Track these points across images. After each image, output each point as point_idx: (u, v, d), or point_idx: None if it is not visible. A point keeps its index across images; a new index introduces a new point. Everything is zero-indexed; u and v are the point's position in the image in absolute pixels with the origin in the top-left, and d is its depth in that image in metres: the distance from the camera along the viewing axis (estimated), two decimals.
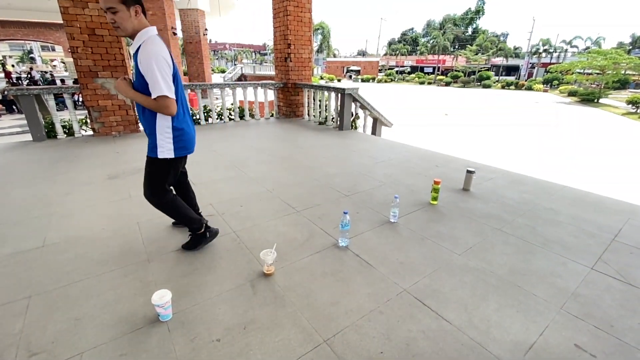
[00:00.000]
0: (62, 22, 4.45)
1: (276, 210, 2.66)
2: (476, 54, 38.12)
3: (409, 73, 47.38)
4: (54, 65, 35.26)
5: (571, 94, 26.22)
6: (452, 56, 45.03)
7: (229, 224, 2.42)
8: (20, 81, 15.90)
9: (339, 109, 5.84)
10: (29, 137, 4.89)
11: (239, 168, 3.71)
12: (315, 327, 1.50)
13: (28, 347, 1.37)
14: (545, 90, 31.66)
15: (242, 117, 6.78)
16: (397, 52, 52.15)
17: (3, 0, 13.90)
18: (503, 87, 35.01)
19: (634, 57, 24.54)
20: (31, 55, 40.03)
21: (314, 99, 6.49)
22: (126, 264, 1.93)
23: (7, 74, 16.71)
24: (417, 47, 52.28)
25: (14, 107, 12.06)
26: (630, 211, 2.76)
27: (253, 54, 68.22)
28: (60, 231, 2.30)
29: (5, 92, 5.23)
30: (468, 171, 3.13)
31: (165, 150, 1.77)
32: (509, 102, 23.25)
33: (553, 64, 34.14)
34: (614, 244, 2.25)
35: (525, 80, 35.93)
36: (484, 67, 39.73)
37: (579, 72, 28.93)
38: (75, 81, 13.00)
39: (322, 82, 19.70)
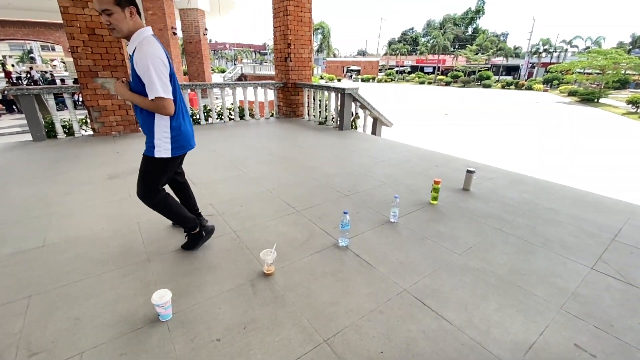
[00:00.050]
0: (62, 21, 4.45)
1: (276, 210, 2.66)
2: (476, 54, 38.11)
3: (409, 73, 47.36)
4: (54, 65, 35.24)
5: (571, 93, 26.22)
6: (452, 56, 45.03)
7: (229, 224, 2.42)
8: (20, 81, 15.90)
9: (339, 108, 5.84)
10: (29, 137, 4.89)
11: (239, 168, 3.71)
12: (315, 327, 1.50)
13: (28, 346, 1.37)
14: (545, 90, 31.65)
15: (242, 116, 6.78)
16: (397, 51, 52.15)
17: (3, 0, 13.90)
18: (503, 87, 35.01)
19: (634, 57, 24.53)
20: (31, 55, 40.01)
21: (314, 99, 6.49)
22: (126, 264, 1.93)
23: (7, 74, 16.70)
24: (417, 47, 52.30)
25: (14, 106, 12.06)
26: (630, 211, 2.76)
27: (253, 53, 68.21)
28: (60, 231, 2.30)
29: (5, 92, 5.22)
30: (468, 171, 3.13)
31: (163, 150, 1.76)
32: (509, 101, 23.25)
33: (553, 63, 34.13)
34: (614, 243, 2.25)
35: (526, 80, 35.92)
36: (484, 67, 39.71)
37: (579, 72, 28.90)
38: (75, 81, 13.00)
39: (322, 82, 19.70)
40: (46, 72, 22.94)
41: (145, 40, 1.60)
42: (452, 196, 3.00)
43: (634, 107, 18.43)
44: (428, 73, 45.35)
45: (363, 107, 6.06)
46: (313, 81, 6.91)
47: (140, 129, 5.28)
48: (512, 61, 43.91)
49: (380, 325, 1.52)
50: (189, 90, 6.33)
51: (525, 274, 1.90)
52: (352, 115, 6.06)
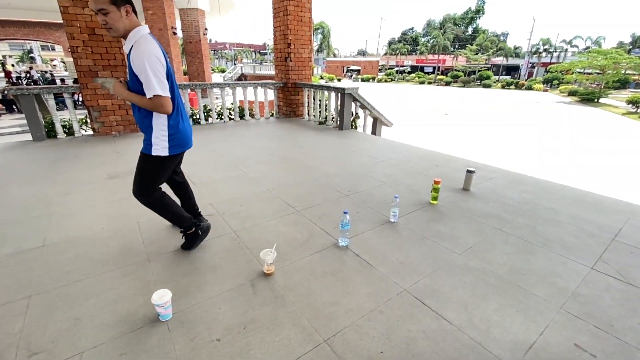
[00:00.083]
0: (62, 21, 4.45)
1: (276, 210, 2.66)
2: (476, 54, 38.09)
3: (409, 73, 47.35)
4: (54, 65, 35.22)
5: (571, 93, 26.22)
6: (452, 56, 45.01)
7: (229, 224, 2.42)
8: (20, 81, 15.90)
9: (339, 108, 5.84)
10: (29, 136, 4.88)
11: (239, 168, 3.71)
12: (315, 326, 1.50)
13: (28, 346, 1.37)
14: (545, 90, 31.65)
15: (242, 116, 6.78)
16: (397, 51, 52.12)
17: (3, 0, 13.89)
18: (503, 87, 35.00)
19: (634, 57, 24.52)
20: (31, 54, 40.02)
21: (314, 99, 6.49)
22: (126, 264, 1.93)
23: (7, 74, 16.71)
24: (417, 47, 52.26)
25: (14, 106, 12.06)
26: (630, 211, 2.76)
27: (253, 53, 68.19)
28: (60, 231, 2.30)
29: (5, 92, 5.22)
30: (468, 171, 3.13)
31: (160, 148, 1.75)
32: (509, 101, 23.25)
33: (553, 63, 34.12)
34: (614, 243, 2.25)
35: (526, 80, 35.91)
36: (484, 67, 39.71)
37: (579, 72, 28.88)
38: (75, 81, 13.00)
39: (322, 82, 19.71)
40: (46, 72, 22.95)
41: (141, 38, 1.59)
42: (452, 196, 3.00)
43: (634, 107, 18.43)
44: (428, 73, 45.34)
45: (363, 107, 6.05)
46: (313, 81, 6.91)
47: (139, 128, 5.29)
48: (512, 61, 43.89)
49: (380, 325, 1.52)
50: (189, 90, 6.33)
51: (525, 274, 1.90)
52: (352, 115, 6.06)
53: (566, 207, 2.80)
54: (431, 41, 47.78)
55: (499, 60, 42.70)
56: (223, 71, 41.93)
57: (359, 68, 47.55)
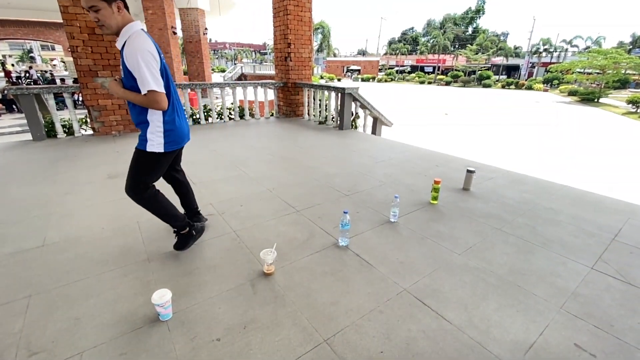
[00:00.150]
0: (62, 21, 4.45)
1: (276, 210, 2.66)
2: (476, 54, 38.08)
3: (409, 72, 47.33)
4: (54, 65, 35.20)
5: (571, 93, 26.21)
6: (452, 56, 44.98)
7: (229, 224, 2.42)
8: (20, 80, 15.89)
9: (339, 108, 5.83)
10: (28, 136, 4.88)
11: (239, 167, 3.71)
12: (315, 326, 1.50)
13: (28, 346, 1.37)
14: (545, 90, 31.64)
15: (242, 116, 6.78)
16: (397, 51, 52.08)
17: None
18: (503, 87, 34.99)
19: (634, 57, 24.50)
20: (31, 54, 40.01)
21: (314, 99, 6.48)
22: (126, 264, 1.93)
23: (7, 73, 16.70)
24: (417, 47, 52.19)
25: (14, 106, 12.05)
26: (630, 211, 2.76)
27: (253, 53, 68.16)
28: (60, 231, 2.30)
29: (5, 92, 5.22)
30: (468, 171, 3.13)
31: (155, 144, 1.73)
32: (509, 101, 23.24)
33: (553, 63, 34.10)
34: (614, 243, 2.25)
35: (526, 80, 35.90)
36: (484, 67, 39.69)
37: (579, 72, 28.88)
38: (75, 80, 13.00)
39: (322, 82, 19.69)
40: (46, 71, 22.95)
41: (134, 34, 1.58)
42: (452, 196, 3.00)
43: (634, 106, 18.42)
44: (428, 73, 45.33)
45: (363, 106, 6.05)
46: (313, 81, 6.90)
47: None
48: (512, 61, 43.86)
49: (380, 324, 1.52)
50: (189, 89, 6.33)
51: (525, 274, 1.90)
52: (352, 115, 6.06)
53: (566, 207, 2.80)
54: (431, 41, 47.75)
55: (499, 60, 42.69)
56: (223, 71, 41.91)
57: (359, 68, 47.54)
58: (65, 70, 29.90)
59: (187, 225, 2.01)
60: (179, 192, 2.22)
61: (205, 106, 6.57)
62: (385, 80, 43.33)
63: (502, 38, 48.43)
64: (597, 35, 40.76)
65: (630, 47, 37.32)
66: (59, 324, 1.49)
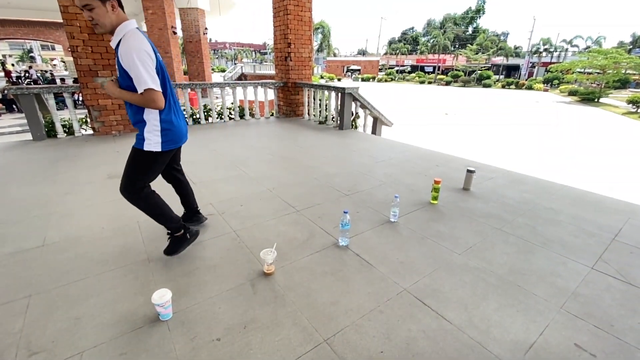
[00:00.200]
0: (62, 21, 4.45)
1: (276, 210, 2.66)
2: (476, 54, 38.06)
3: (409, 72, 47.31)
4: (54, 65, 35.20)
5: (571, 93, 26.19)
6: (453, 55, 44.94)
7: (229, 224, 2.42)
8: (20, 80, 15.89)
9: (339, 108, 5.83)
10: (29, 136, 4.88)
11: (239, 167, 3.71)
12: (315, 326, 1.50)
13: (28, 346, 1.37)
14: (545, 90, 31.62)
15: (242, 116, 6.78)
16: (398, 51, 52.06)
17: None
18: (503, 87, 34.98)
19: (635, 57, 24.49)
20: (31, 54, 40.01)
21: (314, 98, 6.48)
22: (126, 264, 1.93)
23: (7, 73, 16.70)
24: (418, 47, 52.17)
25: (14, 106, 12.06)
26: (630, 211, 2.76)
27: (253, 53, 68.14)
28: (60, 230, 2.30)
29: (5, 91, 5.22)
30: (468, 171, 3.13)
31: (153, 143, 1.72)
32: (509, 101, 23.24)
33: (553, 63, 34.08)
34: (614, 243, 2.25)
35: (526, 80, 35.89)
36: (485, 67, 39.67)
37: (580, 72, 28.86)
38: (75, 80, 12.99)
39: (322, 81, 19.70)
40: (46, 71, 22.95)
41: (129, 33, 1.57)
42: (452, 196, 3.00)
43: (634, 106, 18.40)
44: (428, 72, 45.31)
45: (363, 106, 6.05)
46: (313, 81, 6.90)
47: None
48: (512, 61, 43.83)
49: (380, 324, 1.52)
50: (189, 89, 6.33)
51: (526, 274, 1.90)
52: (352, 114, 6.06)
53: (566, 207, 2.80)
54: (431, 41, 47.73)
55: (499, 60, 42.67)
56: (223, 71, 41.91)
57: (359, 68, 47.53)
58: (66, 70, 29.91)
59: (181, 228, 1.97)
60: (179, 191, 2.22)
61: (205, 106, 6.57)
62: (386, 80, 43.31)
63: (502, 38, 48.44)
64: (598, 35, 40.82)
65: (631, 47, 37.30)
66: (59, 323, 1.49)
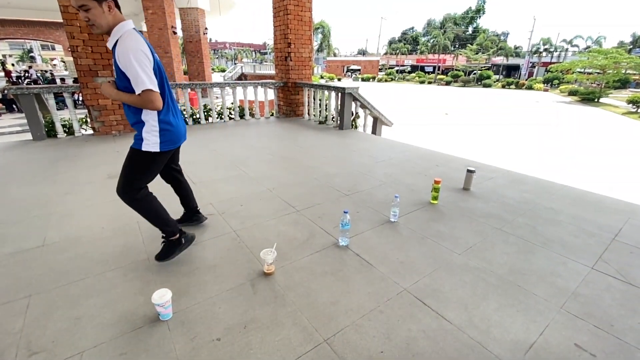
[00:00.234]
0: (62, 21, 4.45)
1: (276, 210, 2.66)
2: (477, 53, 38.07)
3: (410, 72, 47.30)
4: (54, 64, 35.19)
5: (572, 93, 26.19)
6: (453, 55, 44.94)
7: (229, 224, 2.42)
8: (20, 80, 15.89)
9: (339, 108, 5.83)
10: (29, 136, 4.88)
11: (239, 167, 3.71)
12: (315, 326, 1.50)
13: (28, 346, 1.37)
14: (545, 90, 31.61)
15: (242, 116, 6.78)
16: (398, 51, 52.05)
17: None
18: (503, 87, 34.97)
19: (635, 57, 24.48)
20: (31, 54, 40.00)
21: (314, 98, 6.48)
22: (126, 264, 1.93)
23: (7, 73, 16.70)
24: (418, 46, 52.20)
25: (14, 106, 12.06)
26: (630, 211, 2.76)
27: (253, 53, 68.14)
28: (60, 230, 2.30)
29: (6, 91, 5.22)
30: (468, 170, 3.13)
31: (151, 143, 1.71)
32: (510, 101, 23.23)
33: (553, 63, 34.08)
34: (614, 243, 2.25)
35: (526, 80, 35.88)
36: (484, 67, 39.67)
37: (580, 72, 28.86)
38: (75, 80, 13.00)
39: (322, 81, 19.69)
40: (46, 71, 22.95)
41: (126, 33, 1.56)
42: (452, 196, 3.00)
43: (634, 106, 18.40)
44: (428, 72, 45.29)
45: (363, 106, 6.05)
46: (313, 80, 6.90)
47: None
48: (512, 61, 43.81)
49: (380, 324, 1.52)
50: (189, 89, 6.33)
51: (526, 274, 1.90)
52: (352, 114, 6.06)
53: (566, 207, 2.80)
54: (431, 41, 47.73)
55: (499, 59, 42.66)
56: (223, 71, 41.90)
57: (359, 67, 47.53)
58: (66, 70, 29.88)
59: (177, 232, 1.95)
60: (179, 191, 2.21)
61: (205, 106, 6.57)
62: (386, 80, 43.30)
63: (502, 38, 48.44)
64: (598, 35, 40.83)
65: (631, 46, 37.30)
66: (59, 323, 1.49)
